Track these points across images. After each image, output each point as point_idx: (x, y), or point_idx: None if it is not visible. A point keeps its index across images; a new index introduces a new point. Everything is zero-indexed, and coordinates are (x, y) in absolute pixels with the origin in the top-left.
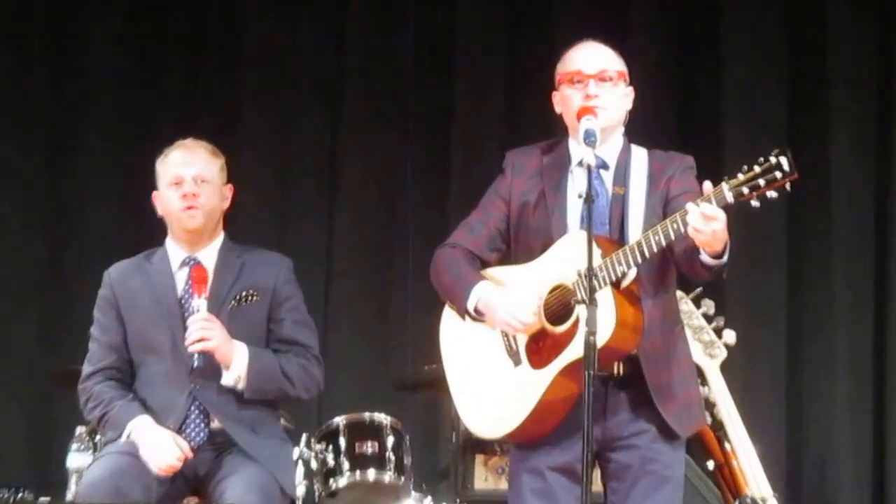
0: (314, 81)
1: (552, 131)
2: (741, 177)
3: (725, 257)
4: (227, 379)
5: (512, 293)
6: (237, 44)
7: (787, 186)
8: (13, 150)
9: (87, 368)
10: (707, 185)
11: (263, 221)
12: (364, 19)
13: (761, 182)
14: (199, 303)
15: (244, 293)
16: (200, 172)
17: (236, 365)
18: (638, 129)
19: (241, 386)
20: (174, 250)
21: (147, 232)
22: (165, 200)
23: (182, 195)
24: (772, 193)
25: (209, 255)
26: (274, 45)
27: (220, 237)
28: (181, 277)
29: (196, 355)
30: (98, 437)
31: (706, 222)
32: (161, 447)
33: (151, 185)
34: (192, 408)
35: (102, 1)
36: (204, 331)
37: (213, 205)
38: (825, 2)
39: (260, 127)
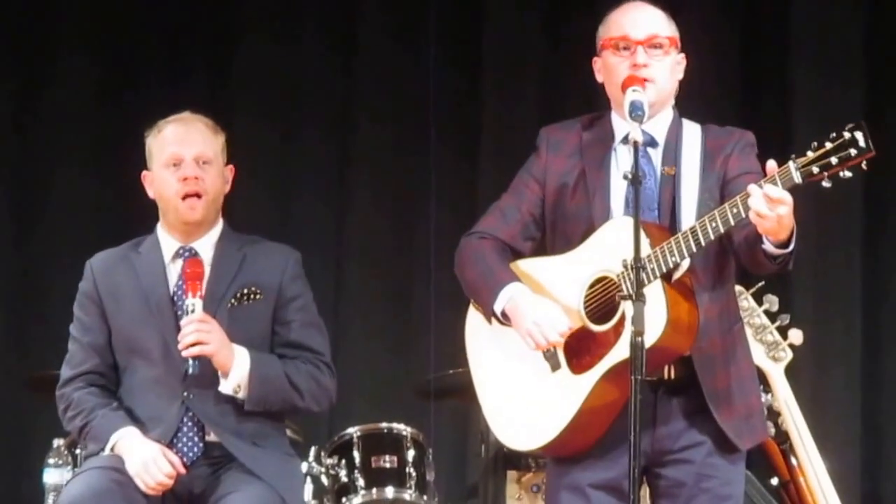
0: (321, 79)
1: (594, 109)
2: (811, 154)
3: (791, 246)
4: (226, 387)
5: (546, 305)
6: (231, 45)
7: (864, 164)
8: None
9: (66, 372)
10: (771, 163)
11: (265, 207)
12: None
13: (834, 160)
14: (194, 302)
15: (245, 290)
16: (202, 152)
17: (236, 371)
18: (691, 101)
19: (241, 395)
20: (166, 240)
21: (128, 217)
22: (160, 183)
23: (182, 178)
24: (846, 172)
25: (206, 246)
26: (274, 43)
27: (219, 225)
28: (174, 271)
29: (190, 361)
30: (78, 450)
31: (771, 206)
32: (149, 462)
33: (132, 165)
34: (185, 419)
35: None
36: (199, 333)
37: (216, 190)
38: None
39: (266, 105)
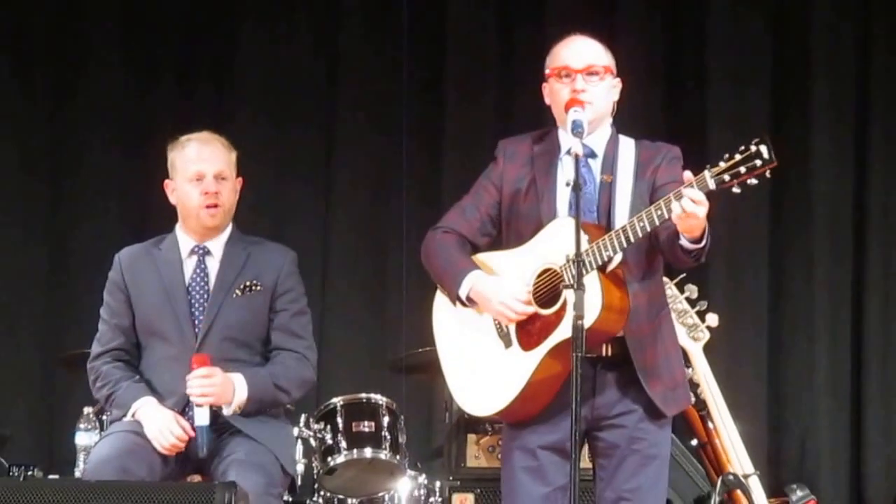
0: (309, 81)
1: (543, 126)
2: (723, 164)
3: (704, 242)
4: (227, 411)
5: (504, 284)
6: (232, 51)
7: (768, 173)
8: (17, 147)
9: (96, 348)
10: (688, 174)
11: (260, 210)
12: (357, 18)
13: (742, 169)
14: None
15: (248, 283)
16: (221, 169)
17: (236, 400)
18: (625, 120)
19: (239, 412)
20: (184, 239)
21: (147, 223)
22: (183, 193)
23: (203, 192)
24: (753, 180)
25: (217, 245)
26: (269, 51)
27: (229, 228)
28: (189, 265)
29: (201, 441)
30: (104, 416)
31: (696, 207)
32: (164, 427)
33: (149, 179)
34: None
35: (100, 14)
36: (203, 388)
37: (230, 202)
38: (810, 1)
39: (258, 123)
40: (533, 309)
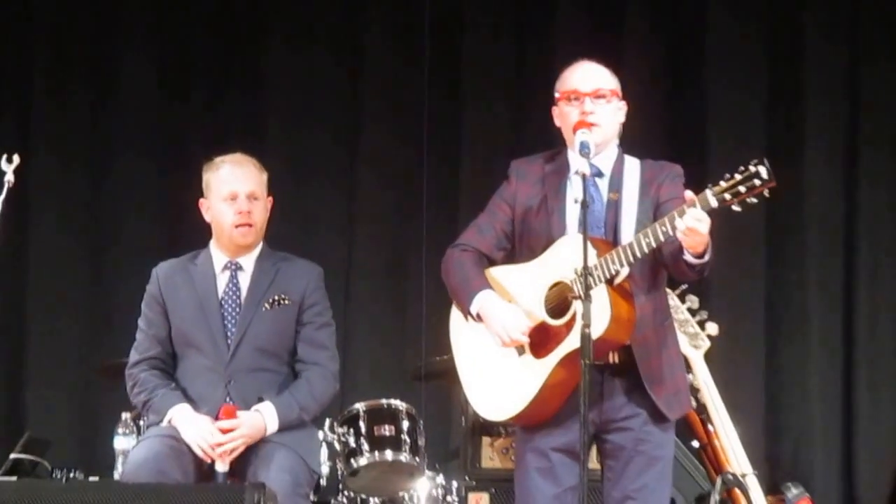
0: (334, 101)
1: (553, 145)
2: (723, 184)
3: (707, 257)
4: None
5: (509, 312)
6: (261, 68)
7: (766, 193)
8: (58, 165)
9: (134, 356)
10: (689, 193)
11: (290, 228)
12: (380, 41)
13: (742, 189)
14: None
15: (277, 297)
16: (253, 190)
17: (269, 431)
18: (631, 140)
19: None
20: (217, 255)
21: (180, 239)
22: (217, 212)
23: (237, 212)
24: (752, 199)
25: (249, 261)
26: (295, 66)
27: (260, 245)
28: (223, 280)
29: (217, 478)
30: (141, 421)
31: (699, 224)
32: (205, 433)
33: (183, 197)
34: (227, 399)
35: (137, 30)
36: (231, 443)
37: (262, 221)
38: (802, 26)
39: (284, 141)
40: (527, 340)
